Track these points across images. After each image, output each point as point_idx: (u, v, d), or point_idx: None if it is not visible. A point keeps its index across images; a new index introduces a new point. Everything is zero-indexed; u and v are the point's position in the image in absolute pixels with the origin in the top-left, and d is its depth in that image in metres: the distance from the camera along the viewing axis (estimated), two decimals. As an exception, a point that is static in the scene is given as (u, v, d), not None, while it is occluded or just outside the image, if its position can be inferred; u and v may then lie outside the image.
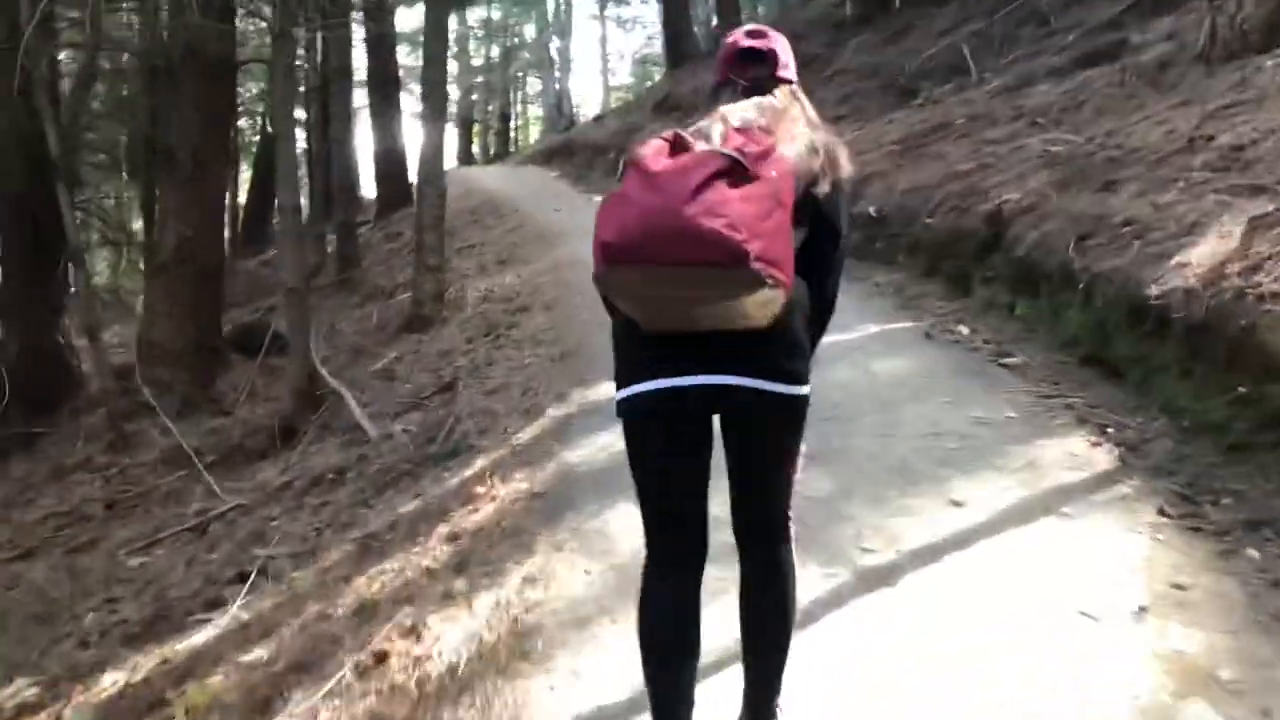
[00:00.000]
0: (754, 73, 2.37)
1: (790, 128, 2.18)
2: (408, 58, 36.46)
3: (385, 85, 15.81)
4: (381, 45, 15.78)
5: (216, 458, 7.45)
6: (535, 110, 41.99)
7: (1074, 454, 4.13)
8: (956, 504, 3.77)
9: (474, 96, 40.44)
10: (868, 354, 5.64)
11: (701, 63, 20.84)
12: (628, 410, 2.22)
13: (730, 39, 2.49)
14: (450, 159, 41.19)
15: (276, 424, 7.32)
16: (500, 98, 39.82)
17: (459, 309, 8.64)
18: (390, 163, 16.32)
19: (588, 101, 42.97)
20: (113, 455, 8.23)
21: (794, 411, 2.21)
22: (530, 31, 39.33)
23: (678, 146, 2.06)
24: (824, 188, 2.18)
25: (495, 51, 39.59)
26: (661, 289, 2.00)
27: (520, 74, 40.85)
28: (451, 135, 42.20)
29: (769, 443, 2.26)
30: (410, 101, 33.76)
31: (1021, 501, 3.75)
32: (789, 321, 2.10)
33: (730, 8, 22.35)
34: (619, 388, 2.22)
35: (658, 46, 39.14)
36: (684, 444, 2.23)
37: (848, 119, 12.09)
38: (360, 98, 17.28)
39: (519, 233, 11.47)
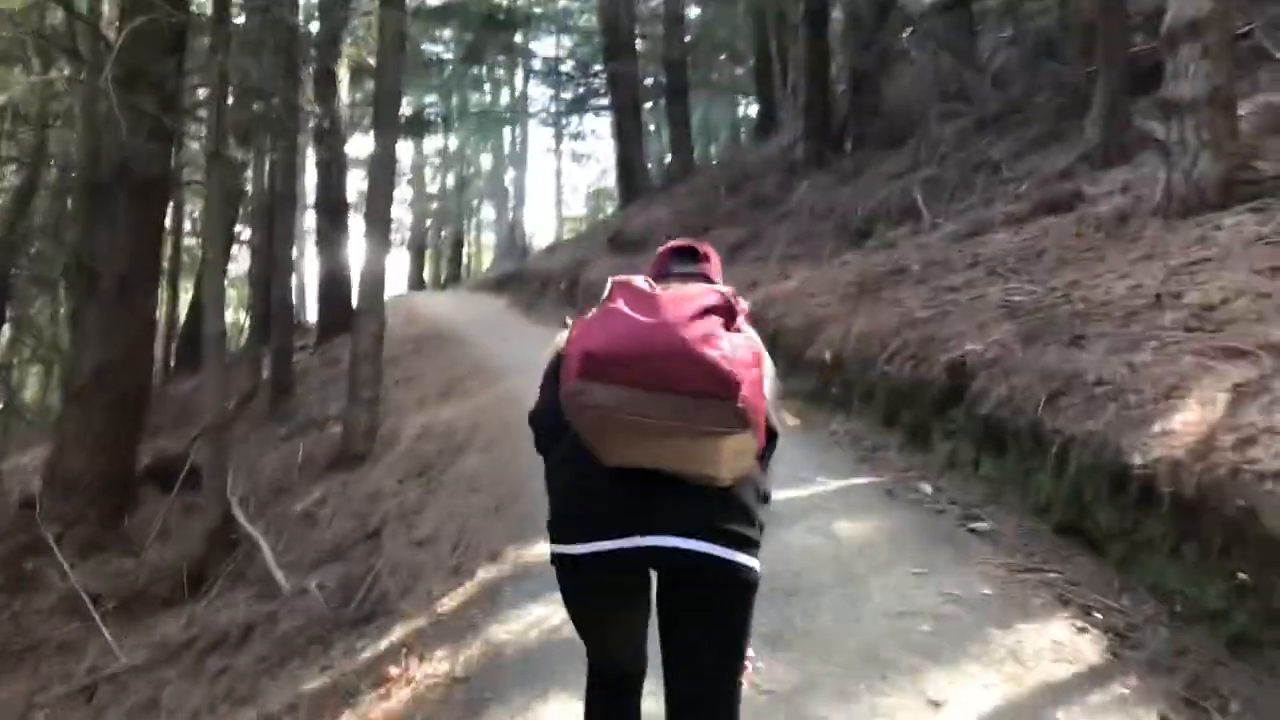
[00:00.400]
0: (686, 268, 2.48)
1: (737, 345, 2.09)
2: (361, 183, 36.50)
3: (334, 210, 15.50)
4: (331, 170, 15.53)
5: (118, 604, 6.82)
6: (489, 237, 42.06)
7: (1059, 642, 3.71)
8: (935, 704, 3.32)
9: (428, 222, 40.47)
10: (829, 513, 5.22)
11: (654, 198, 20.89)
12: (570, 568, 2.11)
13: (664, 246, 2.66)
14: (401, 283, 41.03)
15: (185, 569, 6.72)
16: (454, 224, 39.87)
17: (392, 445, 8.15)
18: (334, 287, 15.88)
19: (541, 231, 43.19)
20: (7, 597, 7.54)
21: (748, 587, 2.10)
22: (486, 161, 39.63)
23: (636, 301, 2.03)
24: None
25: (451, 179, 39.77)
26: (640, 413, 1.89)
27: (475, 201, 41.01)
28: (403, 260, 42.14)
29: (718, 622, 2.11)
30: (361, 226, 33.40)
31: (1008, 703, 3.31)
32: (746, 488, 2.07)
33: (683, 145, 22.58)
34: (557, 541, 2.11)
35: (611, 180, 39.67)
36: (626, 599, 2.16)
37: (801, 259, 11.92)
38: (311, 220, 17.02)
39: (462, 364, 11.07)
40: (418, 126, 25.05)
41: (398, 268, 45.61)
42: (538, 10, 27.04)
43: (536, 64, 27.72)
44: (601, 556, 2.02)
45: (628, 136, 22.37)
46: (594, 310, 2.07)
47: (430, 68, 23.93)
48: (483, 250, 42.67)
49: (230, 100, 8.18)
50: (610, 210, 38.05)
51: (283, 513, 7.39)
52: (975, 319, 7.12)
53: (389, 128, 8.39)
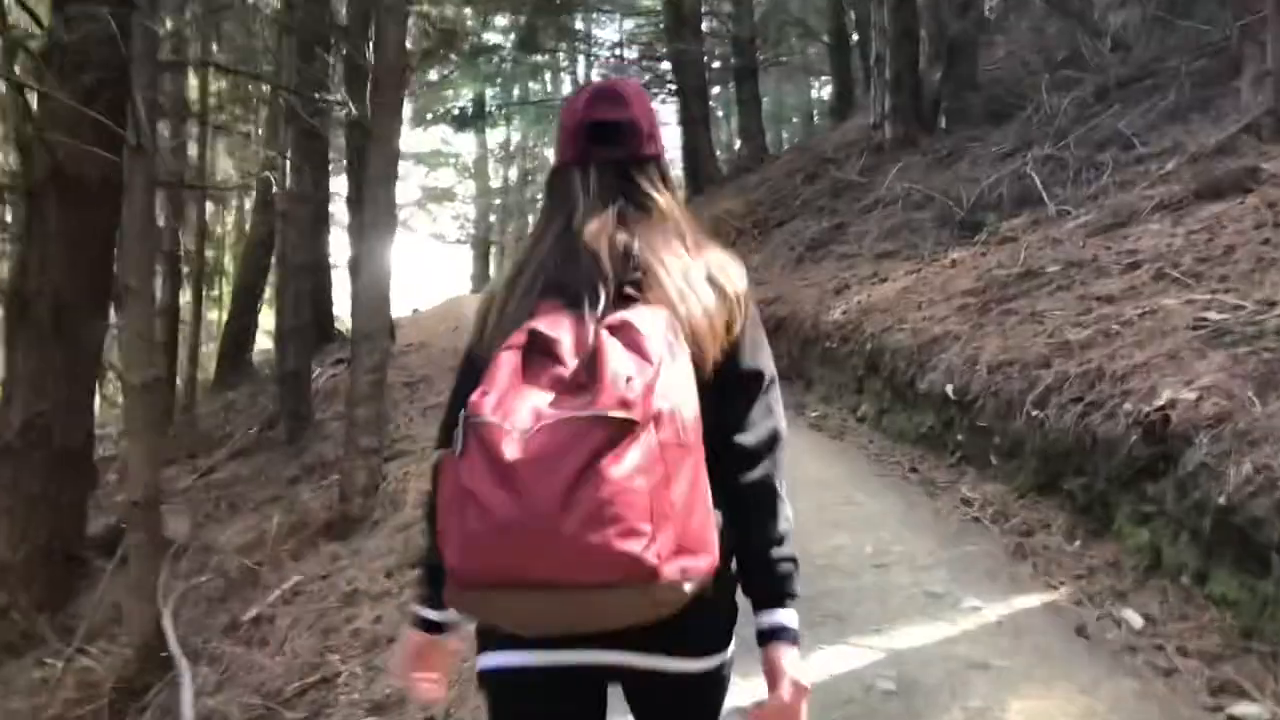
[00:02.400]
0: (610, 153, 1.72)
1: (677, 270, 1.62)
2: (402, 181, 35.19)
3: (384, 189, 13.81)
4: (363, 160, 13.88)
5: (28, 733, 5.19)
6: (554, 231, 40.46)
7: None
8: None
9: (492, 218, 39.01)
10: (996, 679, 3.33)
11: (723, 187, 19.00)
12: (495, 685, 1.69)
13: (575, 103, 1.81)
14: (464, 282, 39.67)
15: (109, 693, 5.06)
16: (517, 219, 38.32)
17: (398, 506, 6.45)
18: (369, 291, 14.22)
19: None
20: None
21: (710, 689, 1.68)
22: (549, 154, 38.00)
23: (533, 353, 1.46)
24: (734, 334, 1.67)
25: (514, 173, 38.26)
26: (538, 608, 1.40)
27: (539, 196, 39.43)
28: (466, 257, 40.82)
29: None
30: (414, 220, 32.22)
31: None
32: (712, 586, 1.47)
33: (753, 129, 20.65)
34: (481, 649, 1.67)
35: (678, 170, 37.88)
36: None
37: (897, 256, 9.98)
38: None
39: None
40: (472, 118, 23.45)
41: (460, 265, 44.35)
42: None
43: (598, 50, 25.89)
44: (529, 671, 1.61)
45: (694, 122, 20.49)
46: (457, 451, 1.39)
47: (484, 56, 22.16)
48: (549, 245, 41.06)
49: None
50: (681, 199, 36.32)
51: (240, 612, 5.73)
52: (1159, 345, 5.16)
53: (389, 107, 6.71)
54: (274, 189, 12.14)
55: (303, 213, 10.10)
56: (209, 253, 20.70)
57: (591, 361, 1.42)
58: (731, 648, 1.68)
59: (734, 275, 1.74)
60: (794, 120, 31.17)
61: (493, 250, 39.15)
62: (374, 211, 6.68)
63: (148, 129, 5.24)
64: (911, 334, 7.01)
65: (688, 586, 1.39)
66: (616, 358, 1.41)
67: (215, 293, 19.80)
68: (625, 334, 1.46)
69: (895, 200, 11.57)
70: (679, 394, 1.44)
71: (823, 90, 30.69)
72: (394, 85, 6.71)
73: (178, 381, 14.41)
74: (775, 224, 13.25)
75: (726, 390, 1.65)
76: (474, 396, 1.41)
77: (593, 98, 1.81)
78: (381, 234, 6.69)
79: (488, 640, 1.66)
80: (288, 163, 11.34)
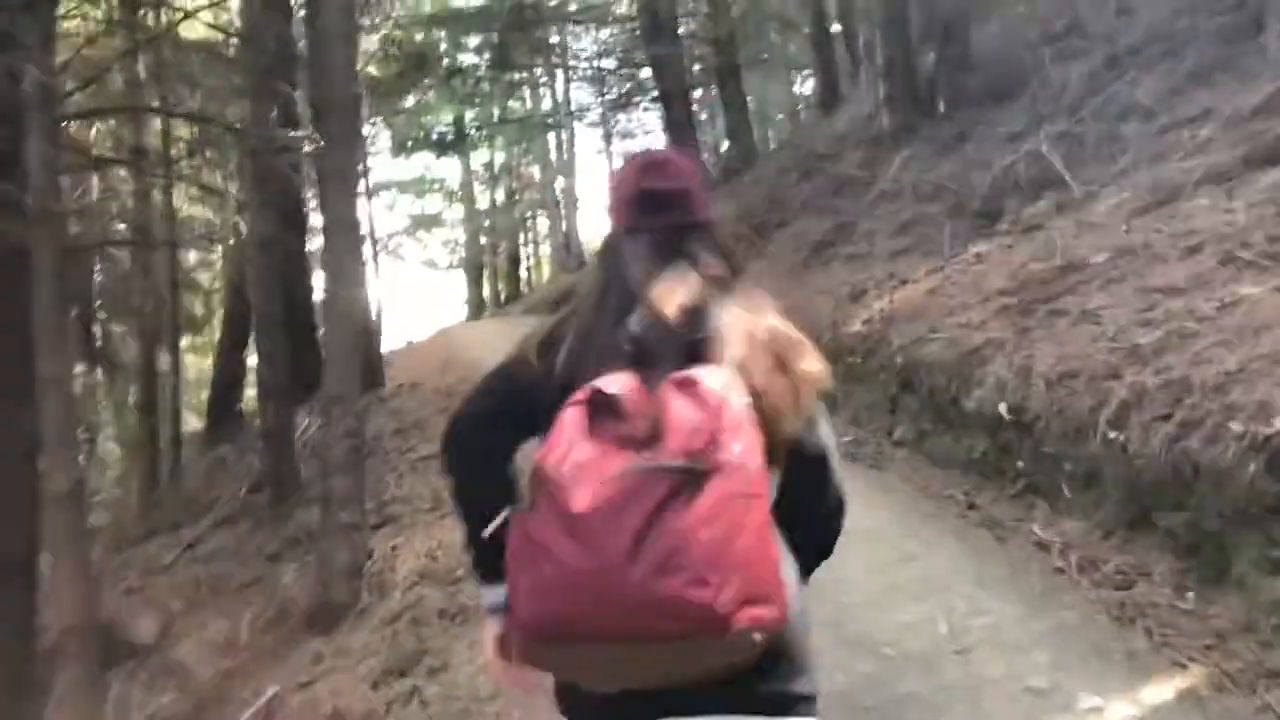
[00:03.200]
0: (664, 220, 1.77)
1: (741, 334, 1.63)
2: (384, 215, 34.60)
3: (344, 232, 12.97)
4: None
5: None
6: (547, 249, 39.69)
7: None
8: None
9: (483, 241, 38.21)
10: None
11: (715, 192, 18.21)
12: None
13: (627, 174, 1.86)
14: (459, 309, 38.88)
15: None
16: (508, 240, 37.56)
17: (384, 592, 5.63)
18: (339, 347, 13.33)
19: (598, 237, 40.80)
20: None
21: None
22: (536, 172, 37.29)
23: (598, 411, 1.46)
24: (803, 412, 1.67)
25: (500, 193, 37.49)
26: (610, 661, 1.41)
27: (529, 214, 38.64)
28: (459, 282, 40.00)
29: None
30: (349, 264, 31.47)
31: None
32: (784, 635, 1.50)
33: (741, 130, 19.87)
34: (562, 711, 1.64)
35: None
36: None
37: (913, 253, 9.18)
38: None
39: None
40: (452, 143, 22.70)
41: (454, 291, 43.55)
42: (571, 6, 24.46)
43: (575, 63, 25.12)
44: None
45: (678, 126, 19.67)
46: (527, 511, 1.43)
47: (459, 78, 21.38)
48: (542, 263, 40.25)
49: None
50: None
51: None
52: (1254, 346, 4.35)
53: (342, 139, 5.91)
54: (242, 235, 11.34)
55: (267, 259, 9.28)
56: (196, 302, 19.94)
57: (657, 418, 1.44)
58: (816, 706, 1.64)
59: (806, 352, 1.76)
60: (779, 118, 30.35)
61: (485, 273, 38.36)
62: (335, 257, 5.87)
63: (48, 187, 4.43)
64: (948, 344, 6.20)
65: (757, 636, 1.39)
66: (680, 411, 1.44)
67: (202, 340, 19.03)
68: (689, 389, 1.48)
69: (902, 193, 10.76)
70: (745, 445, 1.44)
71: (805, 85, 29.96)
72: (346, 115, 5.92)
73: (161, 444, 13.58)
74: (775, 226, 12.45)
75: (793, 463, 1.64)
76: (541, 453, 1.45)
77: (643, 168, 1.85)
78: (346, 283, 5.89)
79: (563, 700, 1.65)
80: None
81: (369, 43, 21.12)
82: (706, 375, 1.50)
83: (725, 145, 28.13)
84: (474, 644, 4.40)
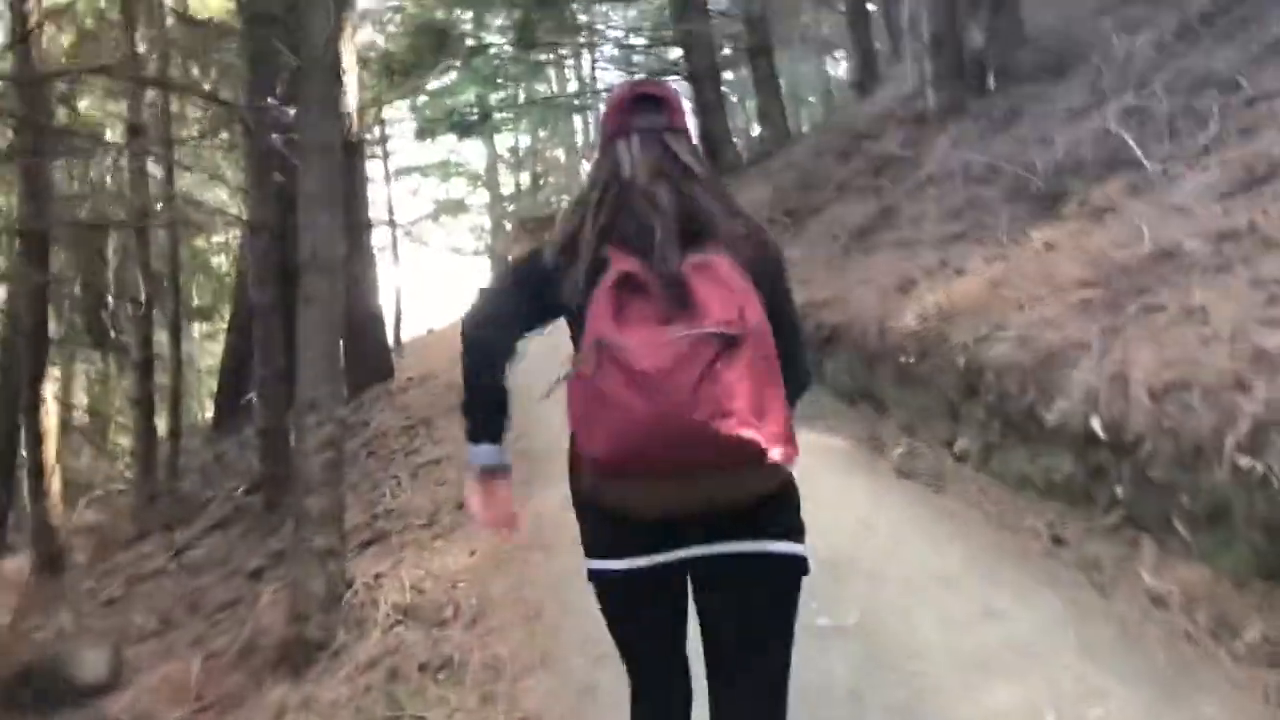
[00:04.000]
0: (651, 121, 2.16)
1: (729, 223, 2.04)
2: (405, 200, 33.96)
3: (351, 233, 12.18)
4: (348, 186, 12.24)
5: None
6: (573, 235, 38.81)
7: None
8: None
9: (507, 226, 37.43)
10: None
11: (745, 175, 17.28)
12: (609, 583, 2.05)
13: (620, 89, 2.31)
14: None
15: None
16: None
17: (363, 630, 4.82)
18: (360, 326, 12.57)
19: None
20: None
21: (798, 575, 2.04)
22: (561, 156, 36.49)
23: (626, 290, 1.84)
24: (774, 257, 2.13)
25: (525, 178, 36.69)
26: (667, 491, 1.81)
27: (554, 199, 37.80)
28: (484, 268, 39.23)
29: (771, 616, 2.03)
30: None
31: None
32: (790, 477, 1.96)
33: (773, 110, 18.94)
34: (595, 556, 2.05)
35: (695, 160, 36.06)
36: (671, 606, 2.09)
37: (968, 240, 8.27)
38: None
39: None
40: (475, 125, 21.88)
41: (478, 277, 42.86)
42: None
43: (601, 42, 24.18)
44: (647, 570, 1.96)
45: (708, 106, 18.79)
46: (579, 367, 1.80)
47: (481, 57, 20.50)
48: (568, 249, 39.35)
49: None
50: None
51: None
52: None
53: (322, 108, 5.09)
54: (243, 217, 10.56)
55: (260, 244, 8.48)
56: (208, 288, 19.25)
57: (683, 293, 1.81)
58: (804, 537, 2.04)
59: (770, 238, 2.17)
60: (811, 100, 29.35)
61: (510, 260, 37.60)
62: (312, 240, 5.06)
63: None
64: (1019, 344, 5.32)
65: (789, 467, 1.81)
66: (706, 290, 1.81)
67: (212, 328, 18.34)
68: (708, 271, 1.84)
69: (951, 175, 9.82)
70: (759, 315, 1.82)
71: (838, 67, 28.99)
72: (325, 80, 5.10)
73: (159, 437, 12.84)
74: (811, 211, 11.55)
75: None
76: (598, 327, 1.78)
77: (636, 83, 2.31)
78: (323, 269, 5.07)
79: (594, 546, 2.05)
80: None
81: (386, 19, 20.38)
82: (717, 262, 1.85)
83: (756, 127, 27.25)
84: (454, 713, 3.61)
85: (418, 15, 19.12)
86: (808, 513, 2.08)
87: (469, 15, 20.98)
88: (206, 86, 11.49)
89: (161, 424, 13.63)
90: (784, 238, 11.37)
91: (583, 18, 22.69)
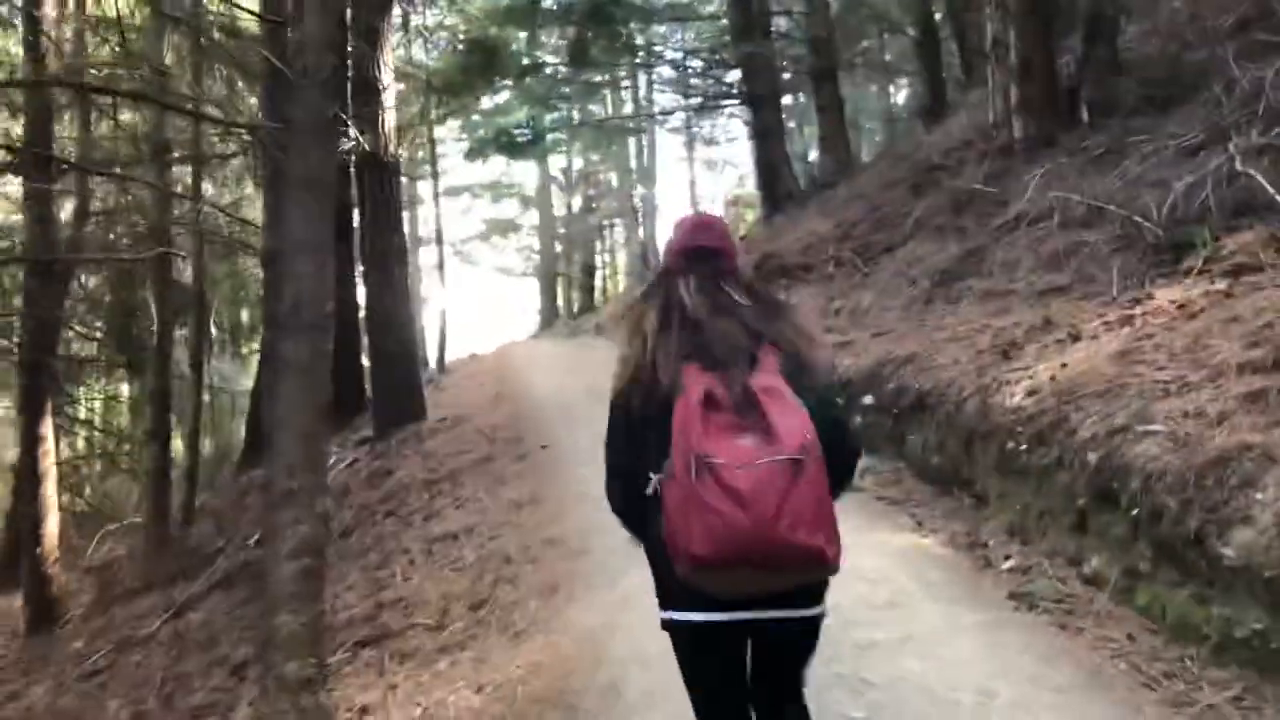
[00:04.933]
0: (706, 267, 2.58)
1: (783, 341, 2.44)
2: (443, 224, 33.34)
3: (382, 259, 11.22)
4: (378, 208, 11.28)
5: None
6: (623, 259, 37.89)
7: None
8: None
9: (558, 249, 36.57)
10: None
11: (805, 206, 16.19)
12: (687, 632, 2.44)
13: (681, 230, 2.73)
14: (531, 318, 37.28)
15: None
16: (583, 248, 35.81)
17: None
18: (390, 361, 11.69)
19: (676, 248, 38.95)
20: None
21: (818, 625, 2.48)
22: (614, 179, 35.54)
23: (708, 407, 2.21)
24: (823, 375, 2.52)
25: (577, 200, 35.81)
26: (752, 580, 2.20)
27: (605, 222, 36.85)
28: (533, 290, 38.42)
29: (804, 650, 2.53)
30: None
31: None
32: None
33: (836, 138, 17.83)
34: (670, 608, 2.44)
35: (750, 186, 34.95)
36: (738, 659, 2.50)
37: (1071, 293, 7.14)
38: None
39: (551, 499, 6.57)
40: (525, 145, 21.01)
41: (527, 300, 42.10)
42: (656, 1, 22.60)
43: (657, 63, 23.20)
44: (722, 624, 2.35)
45: (768, 132, 17.73)
46: (681, 474, 2.17)
47: (534, 75, 19.61)
48: (617, 273, 38.44)
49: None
50: (750, 219, 33.53)
51: None
52: None
53: (310, 129, 4.11)
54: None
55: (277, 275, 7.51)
56: (243, 312, 18.47)
57: (756, 412, 2.20)
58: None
59: (819, 342, 2.61)
60: (867, 128, 28.13)
61: (559, 281, 36.68)
62: (294, 293, 4.05)
63: None
64: (1173, 444, 4.19)
65: (839, 564, 2.22)
66: (776, 411, 2.20)
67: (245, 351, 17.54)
68: (777, 396, 2.24)
69: (1046, 215, 8.67)
70: (815, 436, 2.21)
71: (898, 96, 27.78)
72: (315, 99, 4.11)
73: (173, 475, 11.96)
74: (882, 249, 10.45)
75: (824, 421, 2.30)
76: (693, 440, 2.17)
77: (694, 228, 2.73)
78: (308, 329, 4.05)
79: (676, 599, 2.39)
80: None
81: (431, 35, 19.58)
82: (778, 382, 2.29)
83: (813, 155, 26.13)
84: None
85: (468, 32, 18.24)
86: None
87: (522, 34, 20.11)
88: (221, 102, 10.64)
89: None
90: (852, 279, 10.28)
91: (639, 39, 21.73)
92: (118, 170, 9.86)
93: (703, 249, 2.60)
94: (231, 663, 6.08)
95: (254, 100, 10.72)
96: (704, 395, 2.20)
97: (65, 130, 11.33)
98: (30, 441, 8.94)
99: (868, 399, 7.21)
